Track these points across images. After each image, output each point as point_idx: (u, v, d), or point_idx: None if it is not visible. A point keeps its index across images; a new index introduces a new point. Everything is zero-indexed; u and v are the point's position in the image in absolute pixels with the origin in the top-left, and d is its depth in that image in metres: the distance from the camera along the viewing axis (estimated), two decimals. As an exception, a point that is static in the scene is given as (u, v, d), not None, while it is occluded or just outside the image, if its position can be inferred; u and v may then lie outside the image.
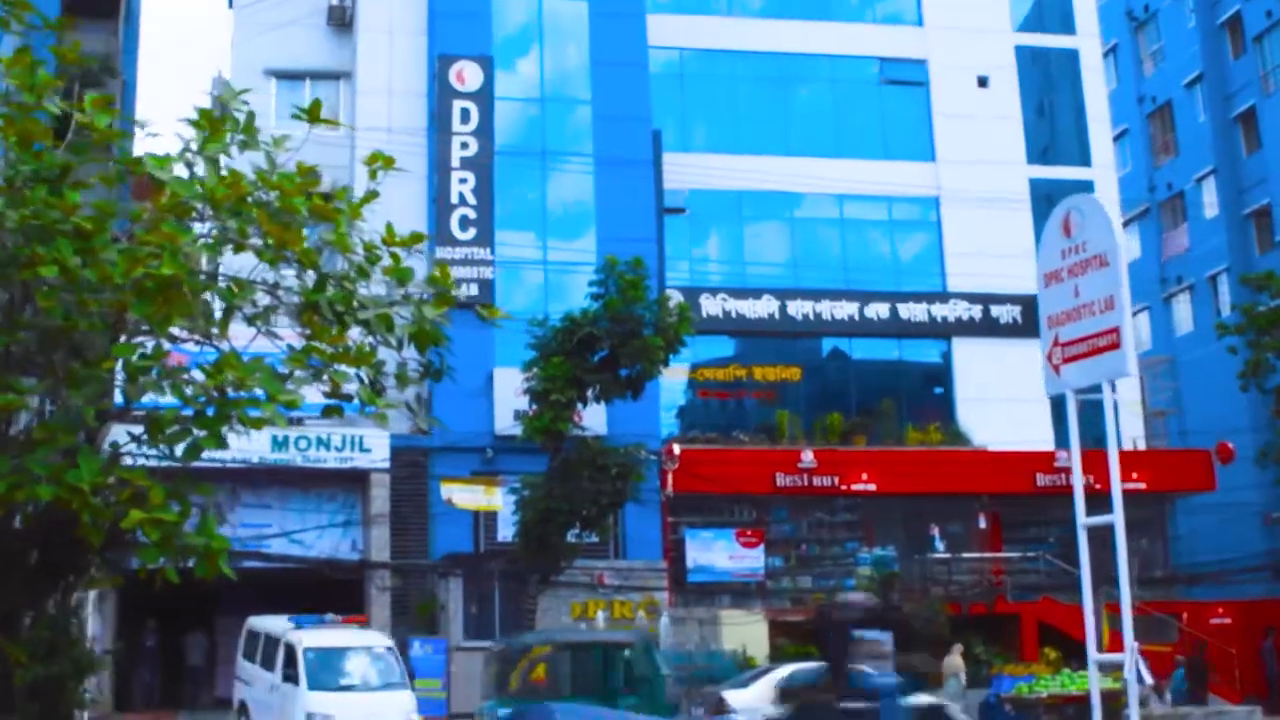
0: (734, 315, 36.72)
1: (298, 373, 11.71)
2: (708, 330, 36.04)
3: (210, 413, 10.87)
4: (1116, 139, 53.12)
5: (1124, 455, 36.86)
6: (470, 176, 34.43)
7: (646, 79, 36.50)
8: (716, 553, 34.52)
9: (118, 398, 12.42)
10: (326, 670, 24.79)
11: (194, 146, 12.34)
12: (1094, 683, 15.21)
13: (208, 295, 11.95)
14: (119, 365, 11.26)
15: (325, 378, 12.60)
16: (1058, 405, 37.42)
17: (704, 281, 37.03)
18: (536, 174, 35.36)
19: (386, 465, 31.81)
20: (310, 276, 12.22)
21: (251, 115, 12.32)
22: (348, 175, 35.18)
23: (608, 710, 17.12)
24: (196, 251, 11.70)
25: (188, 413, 11.11)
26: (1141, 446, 38.40)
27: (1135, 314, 51.53)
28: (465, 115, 34.73)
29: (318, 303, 12.40)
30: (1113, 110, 52.58)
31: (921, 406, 37.33)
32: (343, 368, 12.46)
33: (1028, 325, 37.62)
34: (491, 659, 26.66)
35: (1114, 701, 26.68)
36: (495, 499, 30.35)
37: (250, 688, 26.43)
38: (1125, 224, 52.53)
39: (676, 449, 33.51)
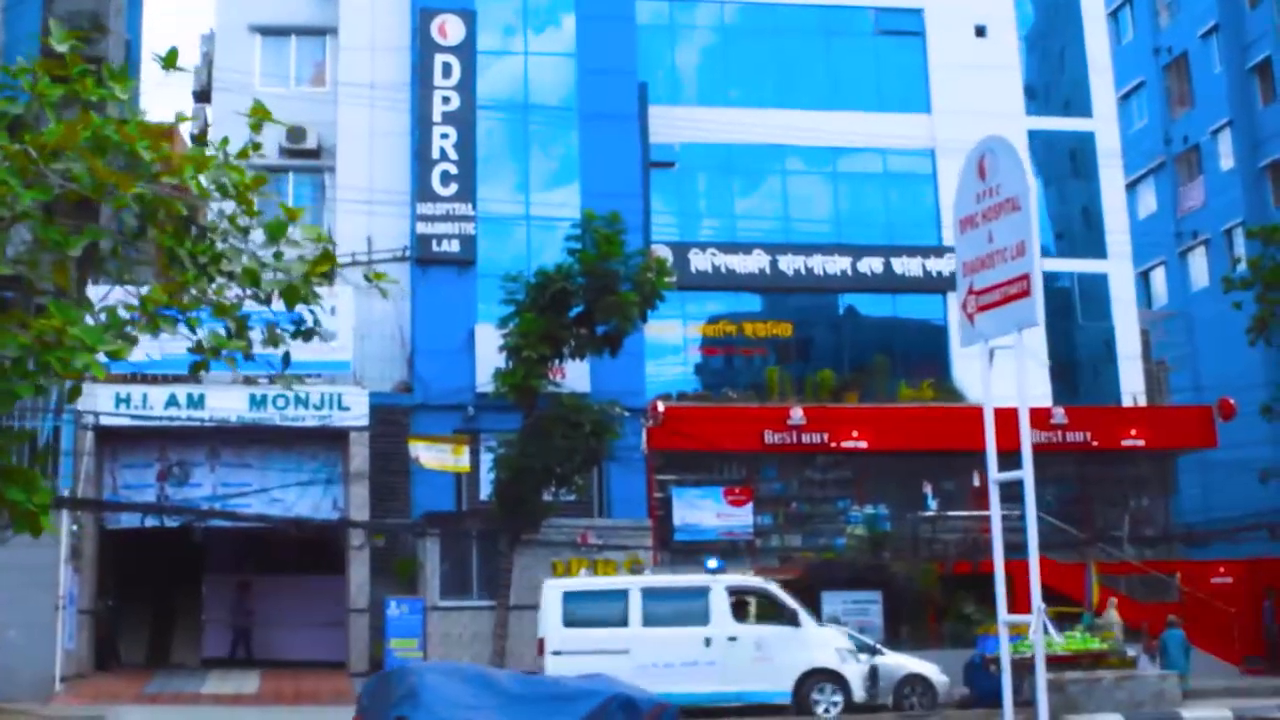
0: (724, 270, 36.13)
1: (128, 326, 11.19)
2: (697, 286, 35.59)
3: (31, 365, 10.38)
4: (1133, 91, 52.39)
5: (1123, 411, 36.83)
6: (452, 131, 33.95)
7: (632, 32, 35.87)
8: (704, 511, 34.14)
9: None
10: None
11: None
12: (1004, 644, 14.61)
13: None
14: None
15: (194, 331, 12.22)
16: (1056, 361, 37.09)
17: (693, 236, 36.47)
18: (520, 129, 34.86)
19: (365, 424, 31.53)
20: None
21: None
22: (332, 133, 34.96)
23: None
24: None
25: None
26: (1142, 402, 37.66)
27: (1151, 269, 50.81)
28: (447, 70, 34.23)
29: (176, 252, 12.02)
30: (1129, 63, 51.80)
31: (916, 363, 36.69)
32: (200, 315, 12.07)
33: (1025, 280, 36.96)
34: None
35: (1102, 661, 26.30)
36: (463, 459, 30.03)
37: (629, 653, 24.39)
38: (1141, 177, 51.70)
39: (661, 406, 33.03)
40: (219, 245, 12.28)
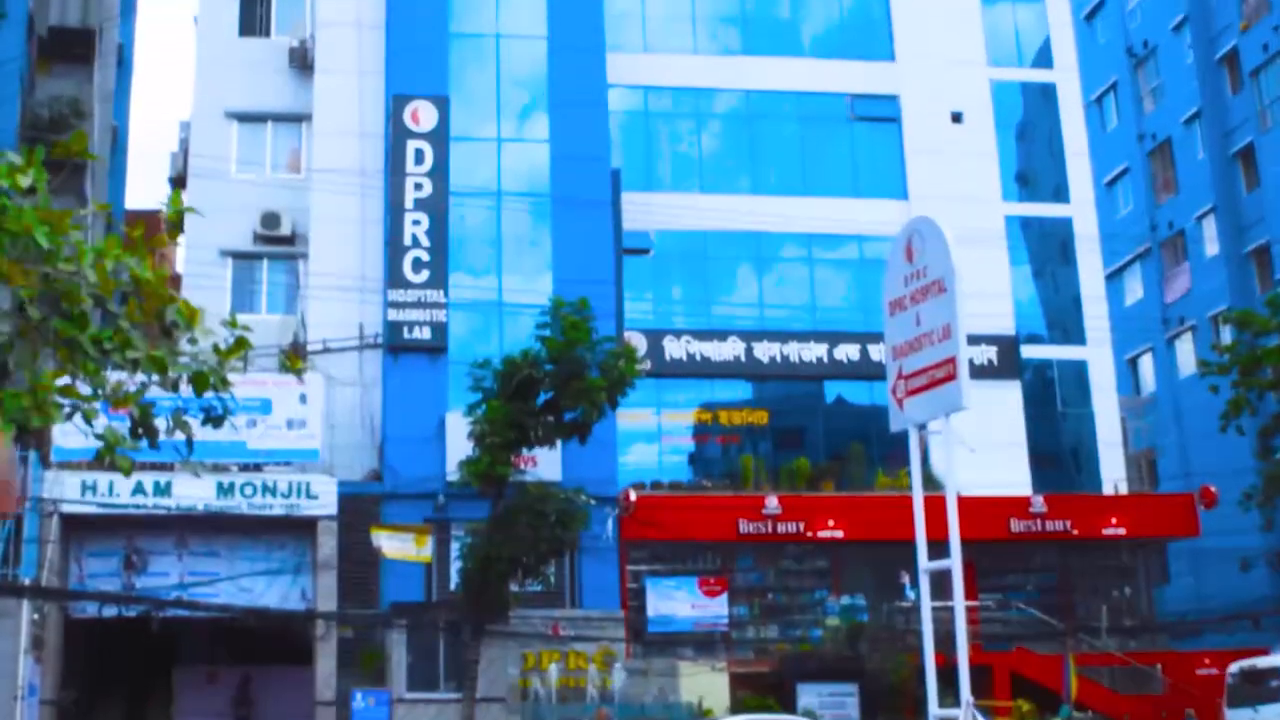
0: (699, 358, 35.88)
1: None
2: (671, 373, 35.37)
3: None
4: (1118, 178, 52.40)
5: (1104, 499, 36.40)
6: (424, 218, 33.89)
7: (605, 118, 35.90)
8: (678, 601, 33.69)
9: None
10: None
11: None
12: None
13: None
14: None
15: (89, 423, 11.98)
16: (1035, 450, 36.78)
17: (668, 323, 36.23)
18: (492, 215, 34.80)
19: (334, 513, 31.27)
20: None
21: None
22: (306, 219, 34.92)
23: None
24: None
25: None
26: (1124, 490, 37.28)
27: (1139, 355, 50.55)
28: (419, 156, 34.23)
29: (77, 340, 11.80)
30: (1114, 149, 51.90)
31: (892, 451, 36.24)
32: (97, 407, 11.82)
33: (1003, 367, 36.82)
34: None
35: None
36: (426, 549, 29.70)
37: None
38: (1128, 264, 51.59)
39: (633, 495, 32.73)
40: (128, 330, 12.05)
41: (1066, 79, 40.31)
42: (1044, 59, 40.53)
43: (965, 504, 34.30)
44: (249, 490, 31.06)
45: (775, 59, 38.65)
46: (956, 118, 38.67)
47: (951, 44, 39.14)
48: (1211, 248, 48.09)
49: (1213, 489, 35.14)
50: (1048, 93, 40.29)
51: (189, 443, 12.63)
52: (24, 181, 11.94)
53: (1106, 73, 53.94)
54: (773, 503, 33.87)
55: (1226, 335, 44.14)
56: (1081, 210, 39.33)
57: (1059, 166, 39.75)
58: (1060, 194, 39.61)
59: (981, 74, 39.35)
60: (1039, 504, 34.95)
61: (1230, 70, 48.52)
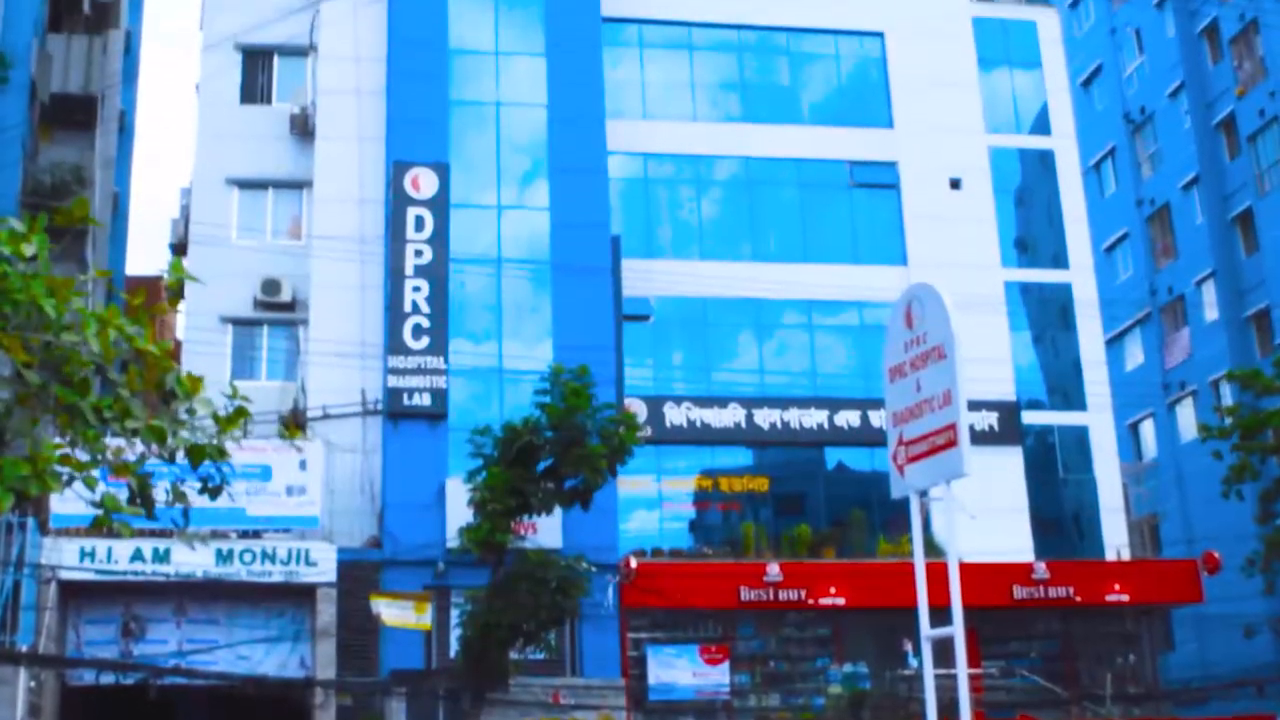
0: (699, 424, 35.84)
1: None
2: (672, 440, 35.33)
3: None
4: (1117, 243, 52.55)
5: (1107, 566, 36.25)
6: (424, 284, 33.95)
7: (605, 185, 36.03)
8: (680, 669, 33.48)
9: None
10: None
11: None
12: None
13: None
14: None
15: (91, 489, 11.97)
16: (1037, 515, 36.67)
17: (668, 390, 36.20)
18: (492, 282, 34.87)
19: (333, 579, 31.15)
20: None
21: None
22: (307, 285, 34.98)
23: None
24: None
25: None
26: (1126, 556, 37.13)
27: (1140, 421, 50.50)
28: (420, 223, 34.33)
29: (77, 407, 11.80)
30: (1113, 215, 52.11)
31: (894, 517, 36.11)
32: (97, 475, 11.82)
33: (1004, 433, 36.75)
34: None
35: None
36: (425, 616, 29.54)
37: None
38: (1128, 329, 51.66)
39: (634, 562, 32.61)
40: (127, 399, 12.05)
41: (1064, 145, 40.50)
42: (1042, 125, 40.73)
43: (967, 570, 34.22)
44: (248, 557, 30.91)
45: (775, 126, 38.84)
46: (955, 184, 38.82)
47: (949, 111, 39.34)
48: (1211, 312, 48.19)
49: (1216, 555, 34.98)
50: (1046, 159, 40.45)
51: (185, 513, 12.61)
52: (27, 249, 11.98)
53: (1104, 139, 54.26)
54: (774, 570, 33.73)
55: (1228, 396, 44.16)
56: (1081, 275, 39.39)
57: (1058, 232, 39.84)
58: (1059, 259, 39.68)
59: (980, 140, 39.53)
60: (1041, 570, 34.79)
61: (1227, 135, 48.80)
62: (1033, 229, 40.55)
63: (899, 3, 40.14)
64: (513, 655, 28.56)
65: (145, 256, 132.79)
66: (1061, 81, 41.39)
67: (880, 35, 40.07)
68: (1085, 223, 40.28)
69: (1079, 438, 38.33)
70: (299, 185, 36.54)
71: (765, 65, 39.83)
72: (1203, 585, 35.85)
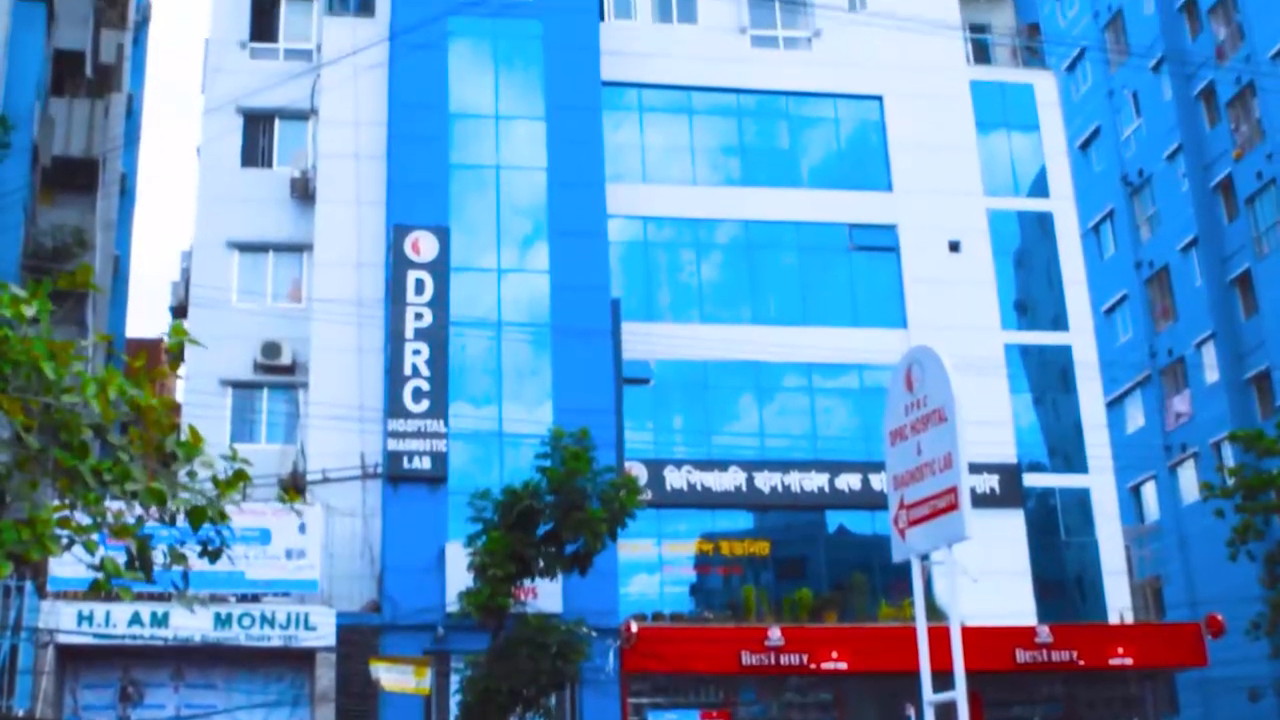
0: (700, 488, 35.74)
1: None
2: (672, 504, 35.22)
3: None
4: (1117, 305, 52.60)
5: (1110, 629, 36.04)
6: (424, 348, 33.96)
7: (605, 249, 36.11)
8: (681, 735, 33.29)
9: None
10: None
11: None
12: None
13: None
14: None
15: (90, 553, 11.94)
16: (1039, 579, 36.50)
17: (668, 453, 36.13)
18: (493, 344, 34.88)
19: (332, 644, 31.00)
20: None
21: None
22: (307, 348, 34.99)
23: None
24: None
25: None
26: (1130, 619, 36.94)
27: (1141, 483, 50.39)
28: (420, 286, 34.38)
29: (77, 470, 11.79)
30: (1112, 277, 52.20)
31: (896, 580, 35.96)
32: (96, 539, 11.79)
33: (1005, 496, 36.63)
34: None
35: None
36: (425, 681, 29.36)
37: None
38: (1128, 391, 51.63)
39: (634, 627, 32.45)
40: (127, 462, 12.04)
41: (1063, 208, 40.59)
42: (1040, 188, 40.84)
43: (969, 634, 34.07)
44: (247, 621, 30.80)
45: (774, 189, 38.95)
46: (954, 246, 38.87)
47: (948, 174, 39.47)
48: (1211, 374, 48.19)
49: (1220, 618, 34.80)
50: (1045, 221, 40.53)
51: (185, 577, 12.57)
52: (28, 312, 12.00)
53: (1103, 201, 54.45)
54: (775, 634, 33.54)
55: (1230, 458, 44.09)
56: (1081, 338, 39.38)
57: (1057, 294, 39.87)
58: (1059, 322, 39.70)
59: (978, 203, 39.62)
60: (1044, 634, 34.60)
61: (1225, 197, 48.97)
62: (1032, 291, 40.57)
63: (897, 66, 40.30)
64: (512, 721, 28.44)
65: (146, 319, 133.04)
66: (1059, 144, 41.51)
67: (879, 99, 40.25)
68: (1085, 285, 40.31)
69: (1081, 500, 38.21)
70: (299, 248, 36.59)
71: (764, 129, 39.99)
72: (1207, 648, 35.64)
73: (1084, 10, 58.46)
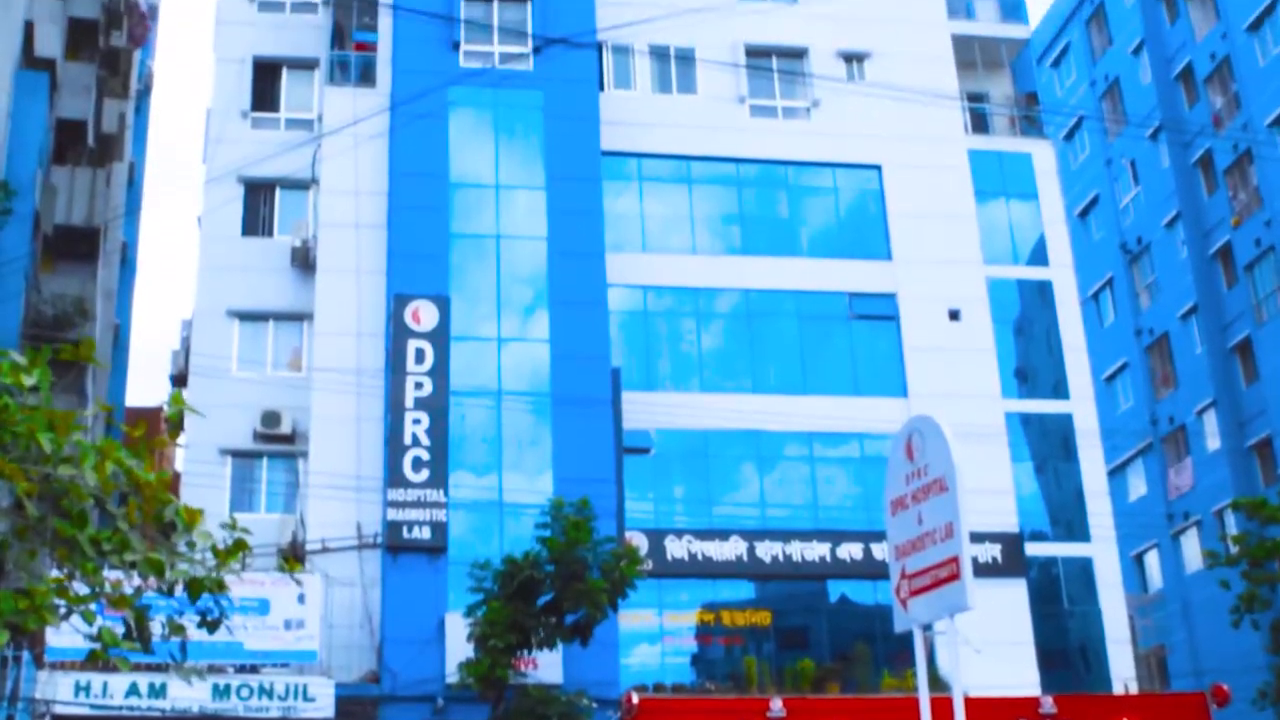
0: (701, 557, 35.58)
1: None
2: (673, 574, 35.05)
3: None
4: (1117, 373, 52.59)
5: (1114, 699, 35.74)
6: (424, 417, 33.93)
7: (605, 318, 36.15)
8: (683, 807, 32.94)
9: None
10: None
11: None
12: None
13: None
14: None
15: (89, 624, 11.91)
16: (1043, 648, 36.27)
17: (669, 523, 36.00)
18: (493, 414, 34.84)
19: (331, 715, 30.77)
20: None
21: None
22: (306, 417, 34.95)
23: None
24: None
25: None
26: (1134, 689, 36.68)
27: (1144, 552, 50.22)
28: (420, 355, 34.40)
29: (75, 539, 11.77)
30: (1112, 345, 52.23)
31: (898, 651, 35.74)
32: (94, 609, 11.75)
33: (1008, 564, 36.45)
34: None
35: None
36: (423, 753, 29.21)
37: None
38: (1130, 459, 51.52)
39: (635, 698, 32.21)
40: (126, 532, 12.02)
41: (1062, 276, 40.64)
42: (1039, 256, 40.92)
43: (973, 705, 33.78)
44: (245, 692, 30.57)
45: (774, 258, 39.01)
46: (954, 315, 38.88)
47: (947, 242, 39.53)
48: (1213, 442, 48.13)
49: (1225, 687, 34.52)
50: (1044, 289, 40.58)
51: (183, 647, 12.52)
52: (28, 381, 12.00)
53: (1102, 269, 54.59)
54: (777, 705, 33.25)
55: (1233, 526, 43.95)
56: (1081, 406, 39.31)
57: (1057, 362, 39.86)
58: (1060, 390, 39.67)
59: (978, 272, 39.65)
60: (1049, 704, 34.26)
61: (1224, 265, 49.09)
62: (1032, 359, 40.58)
63: (895, 136, 40.46)
64: (513, 794, 28.25)
65: (146, 388, 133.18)
66: (1058, 212, 41.61)
67: (878, 168, 40.38)
68: (1085, 353, 40.30)
69: (1083, 569, 38.04)
70: (299, 317, 36.66)
71: (764, 198, 40.11)
72: (1212, 718, 35.35)
73: (1081, 79, 58.86)
